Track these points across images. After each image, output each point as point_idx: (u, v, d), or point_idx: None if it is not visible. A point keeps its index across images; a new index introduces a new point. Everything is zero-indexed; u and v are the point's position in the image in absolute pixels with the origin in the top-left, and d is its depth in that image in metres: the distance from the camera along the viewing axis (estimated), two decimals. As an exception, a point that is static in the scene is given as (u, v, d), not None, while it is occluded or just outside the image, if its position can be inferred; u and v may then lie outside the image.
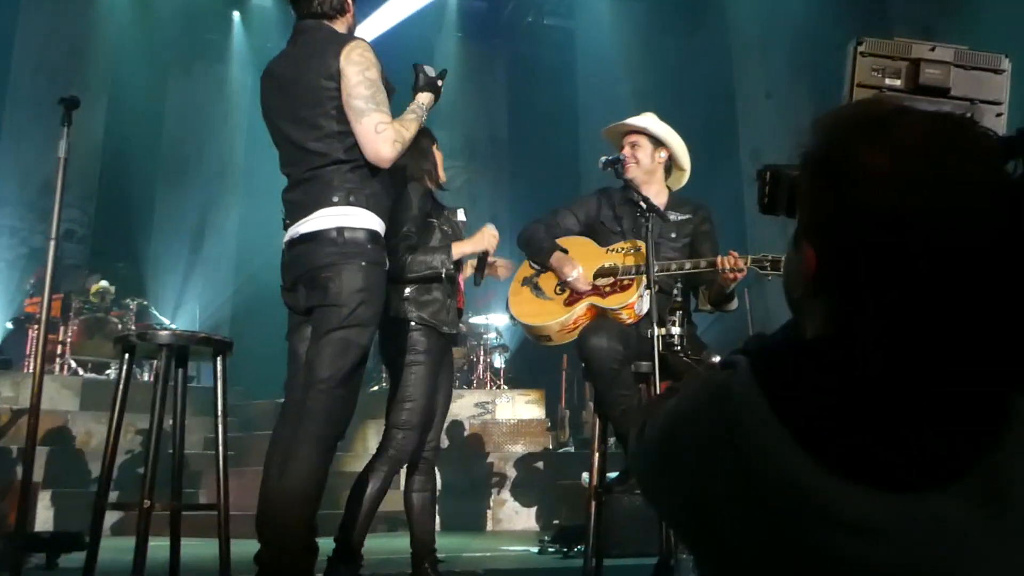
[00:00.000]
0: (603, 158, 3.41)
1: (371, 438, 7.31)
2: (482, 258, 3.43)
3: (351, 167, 2.65)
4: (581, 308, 3.41)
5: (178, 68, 12.01)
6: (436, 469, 3.43)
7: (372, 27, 10.75)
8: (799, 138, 0.91)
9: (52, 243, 2.93)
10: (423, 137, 3.31)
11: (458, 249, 3.32)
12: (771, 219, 1.23)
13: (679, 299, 3.12)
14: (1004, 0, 7.88)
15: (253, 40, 12.01)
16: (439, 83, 2.93)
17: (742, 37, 11.44)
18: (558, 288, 3.51)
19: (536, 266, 3.60)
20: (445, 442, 7.40)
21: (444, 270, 3.19)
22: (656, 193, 3.52)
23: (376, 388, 7.98)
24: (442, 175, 3.52)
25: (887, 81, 1.37)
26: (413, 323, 3.19)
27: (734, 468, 0.75)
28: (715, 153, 11.52)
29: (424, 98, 2.88)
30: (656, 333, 2.93)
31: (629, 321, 3.36)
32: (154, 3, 11.18)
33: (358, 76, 2.63)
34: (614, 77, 11.91)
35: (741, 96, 11.41)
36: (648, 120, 3.57)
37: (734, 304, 3.41)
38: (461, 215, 3.57)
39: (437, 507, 3.45)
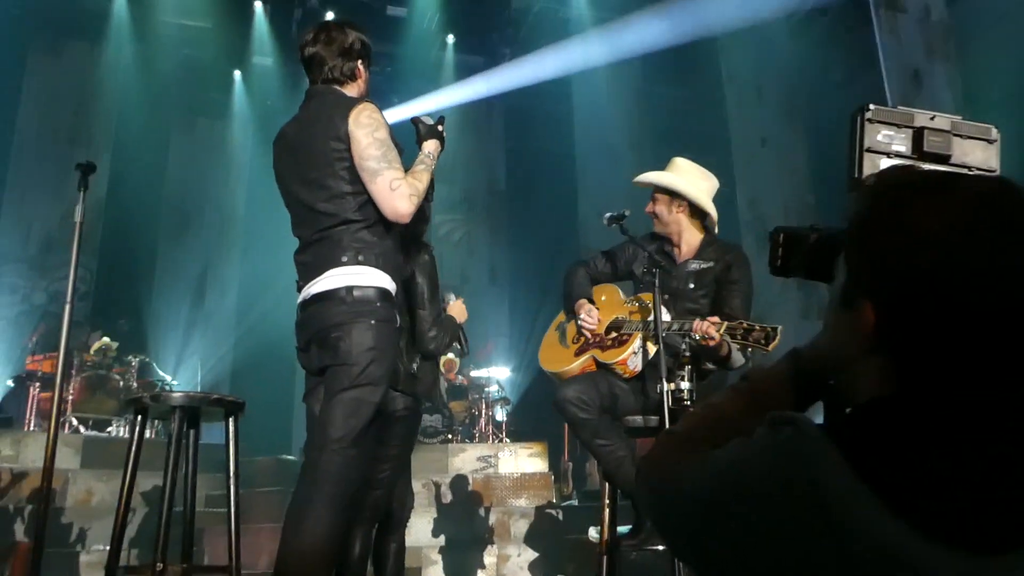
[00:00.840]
0: (607, 215, 3.42)
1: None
2: (461, 329, 3.52)
3: (360, 227, 2.68)
4: (585, 359, 3.46)
5: (180, 126, 12.17)
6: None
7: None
8: (850, 206, 0.93)
9: (68, 306, 2.97)
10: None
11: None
12: (768, 267, 1.25)
13: (687, 354, 3.11)
14: (988, 43, 8.04)
15: (254, 98, 12.19)
16: (439, 128, 2.97)
17: (736, 85, 11.62)
18: (575, 337, 3.55)
19: (566, 311, 3.65)
20: (448, 496, 7.34)
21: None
22: (687, 240, 3.49)
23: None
24: None
25: (894, 147, 1.41)
26: (408, 393, 3.21)
27: (819, 531, 0.74)
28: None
29: (430, 146, 2.91)
30: (665, 388, 2.93)
31: (625, 376, 3.39)
32: (157, 62, 11.35)
33: (368, 138, 2.66)
34: (611, 127, 12.06)
35: (736, 144, 11.55)
36: (657, 175, 3.52)
37: (736, 362, 3.28)
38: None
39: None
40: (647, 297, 3.39)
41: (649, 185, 3.54)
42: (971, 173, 0.95)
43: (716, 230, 3.54)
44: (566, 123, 12.77)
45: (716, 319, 3.05)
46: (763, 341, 2.92)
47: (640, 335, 3.35)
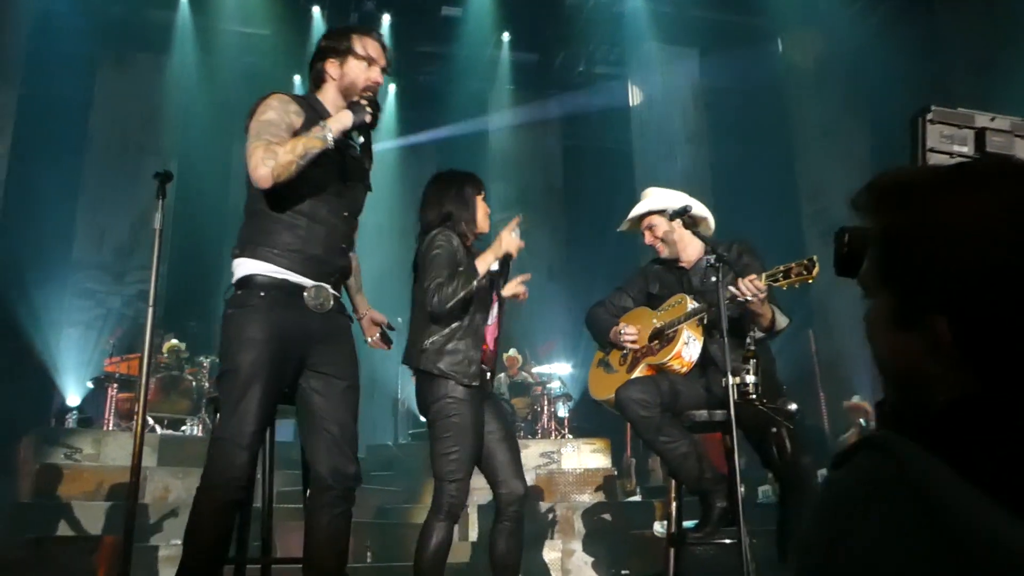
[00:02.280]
0: (670, 210, 3.47)
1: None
2: (505, 262, 3.34)
3: (249, 215, 2.76)
4: (641, 370, 3.55)
5: (242, 131, 12.40)
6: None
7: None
8: (870, 220, 0.88)
9: (151, 310, 3.12)
10: (467, 184, 3.35)
11: (483, 263, 3.18)
12: (831, 254, 1.26)
13: (752, 347, 3.14)
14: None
15: (314, 102, 12.41)
16: (362, 103, 2.70)
17: (796, 75, 11.48)
18: (622, 358, 3.67)
19: (602, 347, 3.78)
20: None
21: (475, 283, 3.12)
22: (692, 251, 3.62)
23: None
24: (483, 226, 3.41)
25: (956, 147, 1.43)
26: (436, 373, 3.12)
27: (931, 540, 0.67)
28: (773, 192, 11.51)
29: (334, 118, 2.67)
30: (731, 382, 2.95)
31: (684, 371, 3.43)
32: (220, 70, 11.66)
33: (253, 123, 2.66)
34: (668, 121, 12.00)
35: (797, 135, 11.41)
36: (644, 204, 3.66)
37: (781, 322, 3.35)
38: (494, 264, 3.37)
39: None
40: (677, 297, 3.52)
41: (635, 225, 3.70)
42: (976, 159, 0.92)
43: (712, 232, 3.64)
44: (622, 119, 12.75)
45: (753, 276, 3.14)
46: (805, 272, 3.04)
47: (686, 327, 3.42)
